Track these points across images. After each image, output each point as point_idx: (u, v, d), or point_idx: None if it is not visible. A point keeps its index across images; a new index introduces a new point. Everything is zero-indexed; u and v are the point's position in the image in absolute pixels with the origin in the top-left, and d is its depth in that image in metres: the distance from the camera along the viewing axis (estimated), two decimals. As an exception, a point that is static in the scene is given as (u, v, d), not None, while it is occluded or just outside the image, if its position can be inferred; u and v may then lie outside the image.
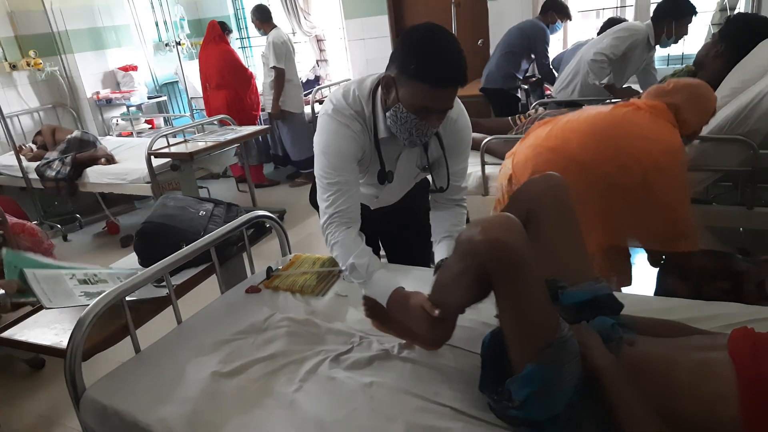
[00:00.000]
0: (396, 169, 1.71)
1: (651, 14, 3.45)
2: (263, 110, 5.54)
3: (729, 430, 1.00)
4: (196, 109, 6.16)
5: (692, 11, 3.27)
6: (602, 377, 1.10)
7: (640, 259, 3.33)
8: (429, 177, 1.79)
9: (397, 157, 1.69)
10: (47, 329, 1.79)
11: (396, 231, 1.97)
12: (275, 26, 5.08)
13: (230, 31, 5.30)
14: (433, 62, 1.36)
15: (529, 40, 4.44)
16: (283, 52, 4.98)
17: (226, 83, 5.21)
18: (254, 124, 5.35)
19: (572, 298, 1.27)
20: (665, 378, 1.08)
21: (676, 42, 3.42)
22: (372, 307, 1.50)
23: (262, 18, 5.06)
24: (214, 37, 5.20)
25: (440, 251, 1.70)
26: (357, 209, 1.61)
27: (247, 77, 5.32)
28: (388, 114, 1.52)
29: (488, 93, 4.66)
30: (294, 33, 6.34)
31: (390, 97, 1.48)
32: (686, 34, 3.37)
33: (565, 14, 4.54)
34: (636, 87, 3.77)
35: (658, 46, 3.49)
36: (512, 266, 1.11)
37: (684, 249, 2.00)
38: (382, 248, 2.22)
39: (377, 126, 1.58)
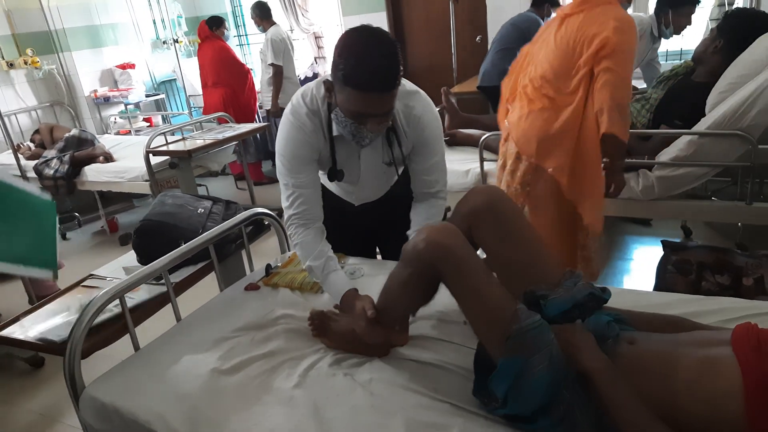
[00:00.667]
0: (361, 166, 1.73)
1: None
2: (260, 107, 5.53)
3: (733, 428, 0.98)
4: (194, 107, 6.15)
5: (690, 1, 3.25)
6: (593, 380, 1.08)
7: (638, 255, 3.35)
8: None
9: (359, 154, 1.71)
10: (46, 327, 1.79)
11: (386, 228, 1.98)
12: (274, 23, 5.07)
13: (220, 24, 5.26)
14: (358, 67, 1.35)
15: (523, 34, 4.42)
16: (281, 49, 4.97)
17: (222, 81, 5.22)
18: (252, 121, 5.35)
19: (555, 309, 1.27)
20: (667, 376, 1.07)
21: (677, 33, 3.41)
22: (318, 326, 1.56)
23: (262, 15, 5.05)
24: (205, 37, 5.24)
25: None
26: (316, 208, 1.67)
27: (243, 73, 5.32)
28: (332, 116, 1.54)
29: (485, 91, 4.65)
30: (292, 30, 6.33)
31: (332, 100, 1.51)
32: (688, 24, 3.35)
33: (559, 6, 4.53)
34: (639, 82, 3.75)
35: (662, 39, 3.49)
36: (456, 262, 1.23)
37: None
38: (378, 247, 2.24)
39: (332, 125, 1.60)
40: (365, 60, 1.35)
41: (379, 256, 2.23)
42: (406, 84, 1.63)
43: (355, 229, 2.03)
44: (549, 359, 1.11)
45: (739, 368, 1.00)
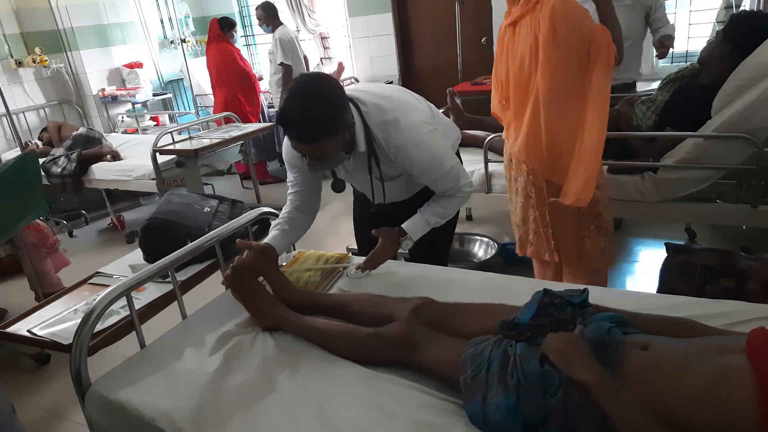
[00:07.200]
0: (355, 179, 1.96)
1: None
2: (272, 107, 5.55)
3: None
4: (201, 107, 6.17)
5: None
6: (591, 392, 1.06)
7: (641, 257, 3.34)
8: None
9: (351, 172, 1.90)
10: (53, 325, 1.80)
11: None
12: (281, 23, 5.09)
13: (230, 26, 5.30)
14: (281, 110, 1.57)
15: None
16: (290, 49, 4.99)
17: (223, 83, 5.29)
18: (255, 122, 5.37)
19: (526, 316, 1.29)
20: (681, 384, 1.05)
21: None
22: (231, 280, 1.70)
23: (269, 14, 5.07)
24: (214, 36, 5.28)
25: (411, 220, 1.88)
26: (304, 197, 1.92)
27: (244, 76, 5.35)
28: None
29: None
30: (298, 30, 6.34)
31: None
32: None
33: None
34: (646, 84, 3.73)
35: None
36: (406, 342, 1.42)
37: None
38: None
39: None
40: (284, 106, 1.56)
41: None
42: (386, 110, 1.71)
43: (377, 223, 2.04)
44: (501, 386, 1.17)
45: (754, 377, 0.98)
